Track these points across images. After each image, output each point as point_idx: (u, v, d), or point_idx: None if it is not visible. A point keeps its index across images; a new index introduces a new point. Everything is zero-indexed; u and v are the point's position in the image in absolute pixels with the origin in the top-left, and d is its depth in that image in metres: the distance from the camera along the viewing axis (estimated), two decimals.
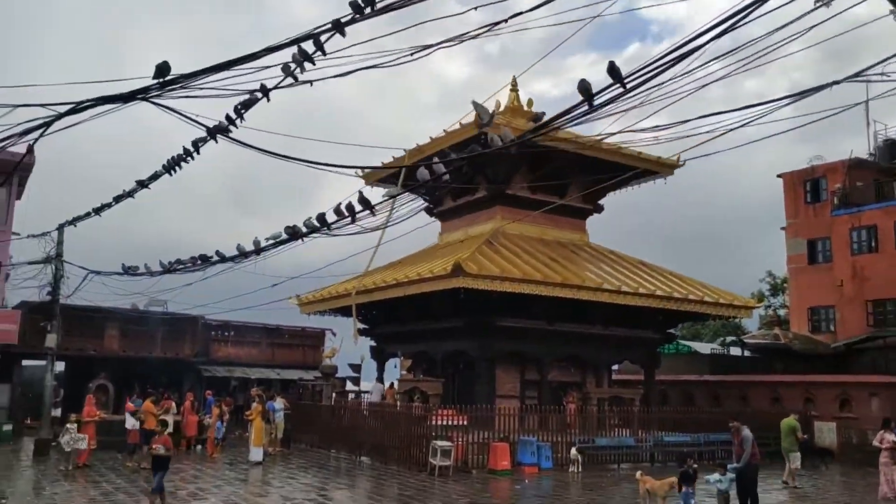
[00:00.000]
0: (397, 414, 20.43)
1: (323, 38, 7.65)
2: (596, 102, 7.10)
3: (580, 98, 7.18)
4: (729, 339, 45.71)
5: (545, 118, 8.49)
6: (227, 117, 9.51)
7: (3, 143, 8.00)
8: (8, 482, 15.80)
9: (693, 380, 30.63)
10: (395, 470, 18.70)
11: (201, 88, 7.57)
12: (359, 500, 15.23)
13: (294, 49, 7.79)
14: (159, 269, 16.47)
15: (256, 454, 19.50)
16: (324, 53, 7.87)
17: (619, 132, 8.61)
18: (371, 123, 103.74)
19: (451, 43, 7.34)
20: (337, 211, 10.59)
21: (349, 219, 10.47)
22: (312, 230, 11.19)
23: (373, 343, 29.12)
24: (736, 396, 28.05)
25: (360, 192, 10.50)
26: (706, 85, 7.20)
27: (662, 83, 6.86)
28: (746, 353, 35.32)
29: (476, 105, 9.14)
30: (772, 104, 7.45)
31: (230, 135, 9.38)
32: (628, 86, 6.75)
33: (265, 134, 9.49)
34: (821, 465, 21.78)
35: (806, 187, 34.55)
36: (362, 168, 17.50)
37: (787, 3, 6.01)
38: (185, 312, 28.20)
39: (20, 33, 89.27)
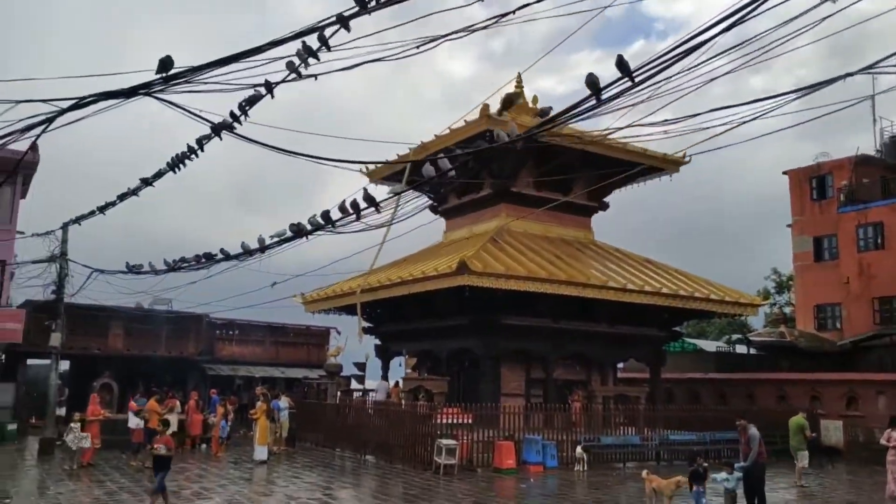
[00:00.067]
0: (402, 412, 20.38)
1: (327, 32, 7.59)
2: (603, 97, 7.04)
3: (585, 94, 7.13)
4: (735, 336, 45.69)
5: (551, 114, 8.41)
6: (232, 114, 9.47)
7: (5, 140, 7.94)
8: (12, 481, 15.79)
9: (699, 378, 30.55)
10: (399, 468, 18.67)
11: (205, 83, 7.51)
12: (364, 498, 15.18)
13: (298, 43, 7.74)
14: (163, 267, 16.48)
15: (261, 453, 19.45)
16: (328, 48, 7.82)
17: (627, 126, 8.54)
18: (374, 122, 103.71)
19: (458, 35, 7.27)
20: (342, 208, 10.54)
21: (354, 216, 10.42)
22: (317, 228, 11.16)
23: (377, 341, 29.08)
24: (742, 395, 27.99)
25: (365, 190, 10.46)
26: (713, 79, 7.16)
27: (670, 77, 6.80)
28: (752, 351, 35.18)
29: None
30: (781, 97, 7.39)
31: (235, 130, 9.33)
32: (637, 80, 6.68)
33: (269, 130, 9.44)
34: (827, 463, 21.66)
35: (812, 184, 34.37)
36: (367, 164, 17.42)
37: None
38: (189, 311, 28.21)
39: (20, 33, 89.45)
